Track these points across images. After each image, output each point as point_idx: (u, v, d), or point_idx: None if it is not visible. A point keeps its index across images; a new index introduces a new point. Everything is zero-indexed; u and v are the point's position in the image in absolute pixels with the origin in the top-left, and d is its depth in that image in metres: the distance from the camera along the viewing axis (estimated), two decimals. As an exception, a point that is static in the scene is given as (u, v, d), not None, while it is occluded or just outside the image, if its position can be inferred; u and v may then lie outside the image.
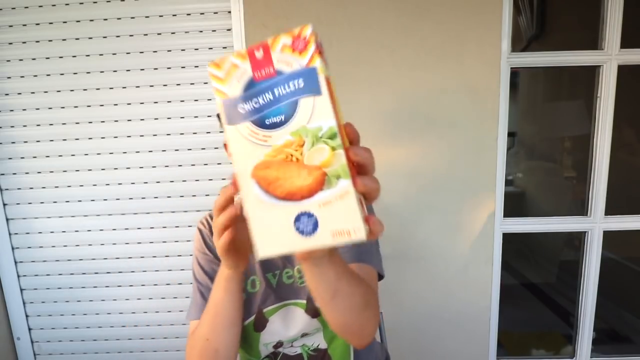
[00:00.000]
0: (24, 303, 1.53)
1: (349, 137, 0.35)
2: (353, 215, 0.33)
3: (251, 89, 0.34)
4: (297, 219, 0.34)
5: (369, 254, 0.67)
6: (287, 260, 0.71)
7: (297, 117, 0.33)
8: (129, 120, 1.38)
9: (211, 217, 0.73)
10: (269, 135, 0.34)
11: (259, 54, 0.34)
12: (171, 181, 1.42)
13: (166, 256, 1.47)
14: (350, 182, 0.33)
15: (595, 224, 1.42)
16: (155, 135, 1.39)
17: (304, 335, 0.70)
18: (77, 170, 1.42)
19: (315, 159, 0.33)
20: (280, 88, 0.34)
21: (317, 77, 0.33)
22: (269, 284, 0.69)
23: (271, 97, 0.34)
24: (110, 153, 1.40)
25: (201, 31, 1.32)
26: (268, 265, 0.70)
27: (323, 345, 0.71)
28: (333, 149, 0.32)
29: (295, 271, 0.70)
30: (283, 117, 0.34)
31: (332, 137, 0.32)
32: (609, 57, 1.30)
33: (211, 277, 0.67)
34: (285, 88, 0.34)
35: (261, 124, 0.34)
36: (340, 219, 0.33)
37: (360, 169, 0.35)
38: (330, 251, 0.45)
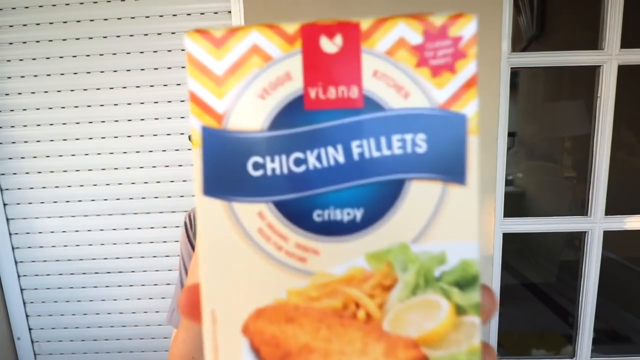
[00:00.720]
0: (24, 303, 1.53)
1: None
2: None
3: (293, 123, 0.15)
4: None
5: None
6: None
7: (393, 220, 0.15)
8: (129, 120, 1.38)
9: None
10: (313, 249, 0.15)
11: (329, 46, 0.15)
12: (171, 181, 1.42)
13: (166, 256, 1.47)
14: None
15: (595, 224, 1.41)
16: (155, 135, 1.39)
17: None
18: (78, 170, 1.42)
19: (410, 322, 0.15)
20: (369, 143, 0.14)
21: (466, 140, 0.14)
22: None
23: (340, 159, 0.14)
24: (111, 153, 1.40)
25: (201, 31, 1.33)
26: None
27: None
28: (459, 311, 0.15)
29: None
30: (359, 214, 0.15)
31: (466, 283, 0.15)
32: (609, 57, 1.30)
33: None
34: (382, 146, 0.14)
35: (300, 216, 0.15)
36: None
37: None
38: None
